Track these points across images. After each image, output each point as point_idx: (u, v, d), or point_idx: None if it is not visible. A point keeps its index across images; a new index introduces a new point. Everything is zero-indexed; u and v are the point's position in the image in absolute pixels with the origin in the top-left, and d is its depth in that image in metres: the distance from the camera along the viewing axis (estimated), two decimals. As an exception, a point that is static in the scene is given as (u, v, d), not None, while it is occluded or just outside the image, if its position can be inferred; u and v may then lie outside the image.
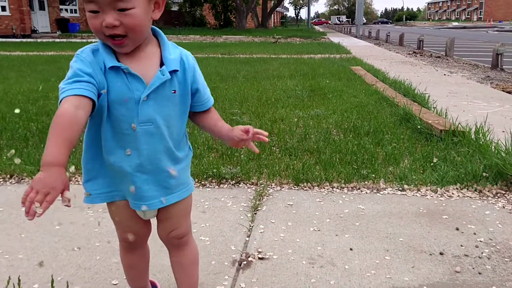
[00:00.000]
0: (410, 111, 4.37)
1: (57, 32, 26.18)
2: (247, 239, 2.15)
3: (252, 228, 2.27)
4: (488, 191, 2.74)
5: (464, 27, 53.35)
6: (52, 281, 1.61)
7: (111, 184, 1.32)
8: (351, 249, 2.05)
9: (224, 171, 2.94)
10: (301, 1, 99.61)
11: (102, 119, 1.23)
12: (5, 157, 3.21)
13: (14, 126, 4.02)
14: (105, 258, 1.95)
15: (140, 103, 1.22)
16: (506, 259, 1.97)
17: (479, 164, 3.00)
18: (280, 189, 2.80)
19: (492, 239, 2.16)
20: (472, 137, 3.54)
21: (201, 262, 1.89)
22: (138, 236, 1.45)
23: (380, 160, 3.22)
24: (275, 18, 70.69)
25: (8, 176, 2.96)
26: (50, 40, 20.20)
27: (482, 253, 2.02)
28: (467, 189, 2.77)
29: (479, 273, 1.86)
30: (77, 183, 2.79)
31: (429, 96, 5.44)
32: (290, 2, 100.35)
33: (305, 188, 2.81)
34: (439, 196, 2.70)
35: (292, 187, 2.83)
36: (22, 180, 2.91)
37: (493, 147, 3.23)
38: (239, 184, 2.87)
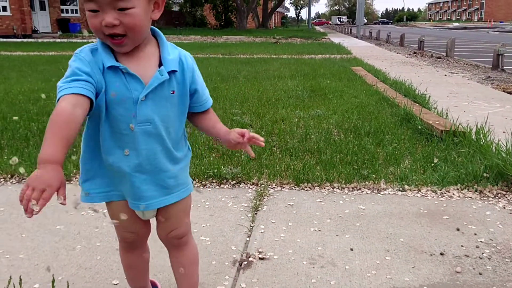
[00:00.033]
0: (411, 111, 4.37)
1: (58, 32, 26.20)
2: (248, 239, 2.16)
3: (253, 228, 2.27)
4: (489, 192, 2.73)
5: (465, 28, 53.32)
6: (53, 281, 1.61)
7: (110, 184, 1.32)
8: (351, 250, 2.05)
9: (224, 171, 2.94)
10: (301, 2, 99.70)
11: (101, 119, 1.23)
12: (5, 157, 3.22)
13: (15, 126, 4.02)
14: (106, 258, 1.96)
15: (138, 103, 1.22)
16: (506, 260, 1.97)
17: (479, 164, 3.00)
18: (281, 189, 2.80)
19: (493, 239, 2.16)
20: (473, 137, 3.54)
21: (201, 262, 1.89)
22: (137, 236, 1.45)
23: (381, 161, 3.22)
24: (276, 18, 70.70)
25: (9, 176, 2.97)
26: (51, 40, 20.21)
27: (482, 253, 2.02)
28: (468, 189, 2.77)
29: (480, 274, 1.86)
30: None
31: (429, 97, 5.43)
32: (290, 3, 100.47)
33: (305, 188, 2.81)
34: (439, 196, 2.70)
35: (293, 187, 2.83)
36: (23, 180, 2.91)
37: (493, 148, 3.23)
38: (240, 184, 2.87)
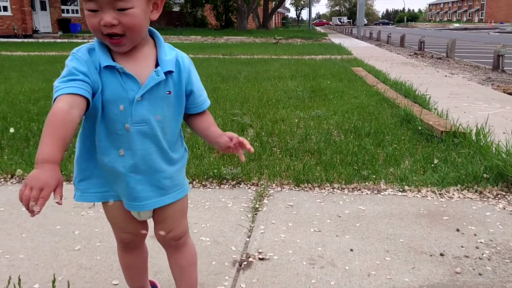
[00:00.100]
0: (411, 112, 4.37)
1: (59, 32, 26.22)
2: (248, 239, 2.16)
3: (253, 228, 2.27)
4: (489, 192, 2.73)
5: (465, 29, 53.31)
6: (54, 281, 1.61)
7: (105, 184, 1.32)
8: (351, 250, 2.05)
9: (224, 171, 2.94)
10: (302, 2, 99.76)
11: (97, 119, 1.23)
12: (5, 157, 3.22)
13: (15, 126, 4.02)
14: (106, 258, 1.96)
15: (134, 103, 1.22)
16: (506, 260, 1.97)
17: (479, 165, 3.00)
18: (281, 190, 2.80)
19: (493, 240, 2.16)
20: (473, 138, 3.54)
21: (201, 263, 1.90)
22: (134, 237, 1.45)
23: (381, 161, 3.22)
24: (276, 19, 70.72)
25: (9, 176, 2.97)
26: (52, 40, 20.23)
27: (482, 254, 2.02)
28: (468, 190, 2.77)
29: (480, 274, 1.86)
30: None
31: (430, 98, 5.43)
32: (291, 3, 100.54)
33: (305, 189, 2.81)
34: (439, 197, 2.70)
35: (293, 188, 2.83)
36: (23, 180, 2.91)
37: (493, 149, 3.23)
38: (240, 184, 2.87)
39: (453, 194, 2.72)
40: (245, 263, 1.93)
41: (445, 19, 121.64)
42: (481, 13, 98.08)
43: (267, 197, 2.68)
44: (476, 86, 7.39)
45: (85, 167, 1.31)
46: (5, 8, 22.86)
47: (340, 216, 2.42)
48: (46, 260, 1.94)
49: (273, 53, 13.15)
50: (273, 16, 52.49)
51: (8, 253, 2.00)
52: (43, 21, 26.78)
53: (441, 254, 2.02)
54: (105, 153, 1.26)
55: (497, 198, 2.68)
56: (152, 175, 1.30)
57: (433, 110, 4.84)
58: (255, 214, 2.44)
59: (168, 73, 1.25)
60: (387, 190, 2.79)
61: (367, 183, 2.86)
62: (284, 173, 2.98)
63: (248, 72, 8.36)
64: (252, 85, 6.65)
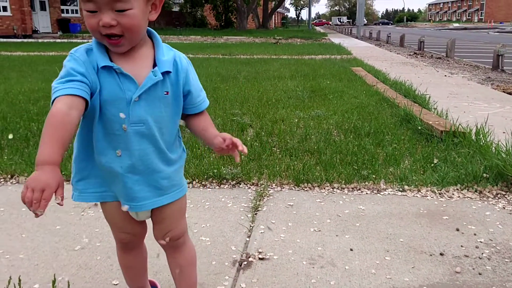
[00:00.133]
0: (411, 112, 4.37)
1: (58, 33, 26.22)
2: (248, 239, 2.16)
3: (253, 228, 2.27)
4: (489, 192, 2.74)
5: (465, 28, 53.33)
6: (54, 281, 1.61)
7: (103, 184, 1.32)
8: (351, 250, 2.05)
9: (224, 171, 2.94)
10: (302, 2, 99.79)
11: (94, 119, 1.23)
12: (5, 157, 3.22)
13: (15, 126, 4.02)
14: (106, 258, 1.96)
15: (132, 104, 1.22)
16: (506, 260, 1.97)
17: (479, 165, 3.00)
18: (281, 190, 2.80)
19: (492, 239, 2.16)
20: (473, 138, 3.54)
21: (201, 262, 1.90)
22: (133, 237, 1.45)
23: (381, 161, 3.22)
24: (276, 19, 70.72)
25: (9, 176, 2.97)
26: (51, 40, 20.23)
27: (482, 253, 2.02)
28: (468, 190, 2.77)
29: (479, 274, 1.86)
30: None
31: (429, 97, 5.44)
32: (291, 3, 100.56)
33: (305, 189, 2.81)
34: (439, 197, 2.70)
35: (293, 188, 2.83)
36: (23, 181, 2.91)
37: (493, 148, 3.23)
38: (240, 184, 2.87)
39: (453, 194, 2.72)
40: (245, 263, 1.93)
41: (445, 19, 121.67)
42: (481, 13, 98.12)
43: (267, 197, 2.68)
44: (476, 85, 7.39)
45: (83, 167, 1.31)
46: (4, 8, 22.86)
47: (340, 216, 2.42)
48: (46, 260, 1.94)
49: (272, 53, 13.16)
50: (273, 16, 52.49)
51: (8, 253, 2.00)
52: (42, 21, 26.77)
53: (441, 254, 2.02)
54: (103, 153, 1.26)
55: (497, 198, 2.68)
56: (149, 176, 1.30)
57: (433, 109, 4.85)
58: (255, 214, 2.44)
59: (165, 73, 1.25)
60: (387, 190, 2.79)
61: (367, 182, 2.86)
62: (284, 173, 2.99)
63: (247, 72, 8.36)
64: (251, 85, 6.65)
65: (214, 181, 2.90)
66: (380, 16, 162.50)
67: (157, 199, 1.33)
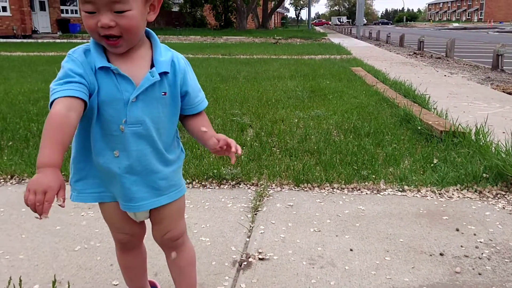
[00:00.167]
0: (411, 112, 4.37)
1: (58, 33, 26.21)
2: (248, 239, 2.16)
3: (253, 228, 2.27)
4: (488, 192, 2.74)
5: (465, 28, 53.34)
6: (54, 282, 1.61)
7: (101, 185, 1.32)
8: (351, 250, 2.05)
9: (224, 171, 2.94)
10: (301, 2, 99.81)
11: (92, 120, 1.23)
12: (5, 158, 3.22)
13: (15, 126, 4.02)
14: (106, 258, 1.96)
15: (129, 104, 1.22)
16: (506, 260, 1.97)
17: (479, 165, 3.00)
18: (281, 190, 2.80)
19: (492, 240, 2.16)
20: (472, 138, 3.54)
21: (201, 263, 1.90)
22: (132, 237, 1.45)
23: (381, 161, 3.22)
24: (276, 19, 70.72)
25: (9, 176, 2.96)
26: (51, 40, 20.22)
27: (482, 254, 2.03)
28: (467, 190, 2.77)
29: (479, 274, 1.86)
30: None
31: (429, 97, 5.44)
32: (290, 3, 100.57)
33: (305, 189, 2.81)
34: (439, 197, 2.70)
35: (293, 188, 2.83)
36: (23, 181, 2.92)
37: (493, 148, 3.24)
38: (240, 184, 2.87)
39: (453, 194, 2.72)
40: (245, 263, 1.93)
41: (444, 18, 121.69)
42: (480, 12, 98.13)
43: (267, 197, 2.68)
44: (476, 85, 7.39)
45: (81, 167, 1.31)
46: (4, 9, 22.85)
47: (339, 216, 2.42)
48: (46, 261, 1.95)
49: (272, 53, 13.16)
50: (273, 16, 52.50)
51: (8, 253, 2.00)
52: (42, 21, 26.77)
53: (441, 254, 2.02)
54: (100, 154, 1.26)
55: (496, 198, 2.69)
56: (147, 176, 1.30)
57: (433, 109, 4.85)
58: (255, 214, 2.44)
59: (163, 74, 1.25)
60: (386, 190, 2.79)
61: (366, 183, 2.86)
62: (283, 173, 2.99)
63: (247, 72, 8.36)
64: (251, 85, 6.65)
65: (214, 182, 2.90)
66: (379, 16, 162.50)
67: (155, 199, 1.33)
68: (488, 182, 2.82)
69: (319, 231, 2.24)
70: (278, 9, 60.51)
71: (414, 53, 14.49)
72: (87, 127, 1.25)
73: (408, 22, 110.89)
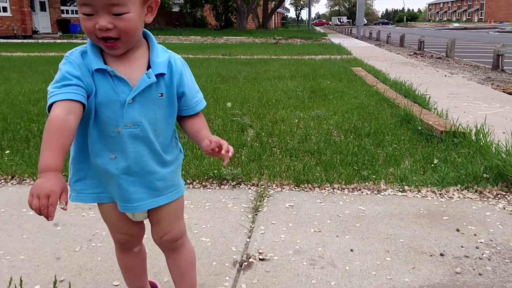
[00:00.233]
0: (411, 112, 4.37)
1: (58, 33, 26.22)
2: (248, 240, 2.16)
3: (253, 229, 2.27)
4: (489, 192, 2.74)
5: (465, 28, 53.32)
6: (55, 282, 1.61)
7: (100, 185, 1.32)
8: (351, 250, 2.05)
9: (225, 172, 2.94)
10: (301, 2, 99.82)
11: (90, 121, 1.23)
12: (6, 158, 3.22)
13: (15, 127, 4.03)
14: (107, 259, 1.96)
15: (126, 106, 1.22)
16: (506, 260, 1.97)
17: (479, 165, 3.00)
18: (281, 190, 2.80)
19: (493, 240, 2.16)
20: (473, 138, 3.54)
21: (201, 263, 1.90)
22: (130, 237, 1.45)
23: (381, 161, 3.23)
24: (276, 19, 70.73)
25: (10, 177, 2.96)
26: (51, 41, 20.23)
27: (482, 254, 2.03)
28: (468, 190, 2.77)
29: (480, 274, 1.86)
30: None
31: (429, 97, 5.44)
32: (290, 3, 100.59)
33: (305, 189, 2.81)
34: (439, 197, 2.70)
35: (293, 188, 2.83)
36: (23, 181, 2.92)
37: (493, 148, 3.24)
38: (240, 185, 2.88)
39: (453, 194, 2.72)
40: (246, 263, 1.93)
41: (445, 18, 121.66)
42: (481, 12, 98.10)
43: (267, 197, 2.68)
44: (476, 85, 7.39)
45: (80, 168, 1.32)
46: (4, 9, 22.86)
47: (340, 216, 2.42)
48: (47, 261, 1.95)
49: (272, 53, 13.16)
50: (273, 16, 52.49)
51: (9, 254, 2.00)
52: (42, 21, 26.77)
53: (441, 254, 2.02)
54: (98, 155, 1.27)
55: (497, 198, 2.69)
56: (144, 177, 1.30)
57: (433, 110, 4.85)
58: (255, 214, 2.44)
59: (159, 75, 1.25)
60: (387, 190, 2.79)
61: (367, 183, 2.86)
62: (284, 174, 2.99)
63: (247, 72, 8.36)
64: (252, 85, 6.65)
65: (214, 182, 2.90)
66: (380, 16, 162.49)
67: (153, 200, 1.34)
68: (489, 182, 2.82)
69: (320, 231, 2.24)
70: (278, 9, 60.53)
71: (415, 53, 14.49)
72: (85, 129, 1.26)
73: (409, 22, 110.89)
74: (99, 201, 1.35)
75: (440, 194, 2.73)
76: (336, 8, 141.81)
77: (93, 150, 1.27)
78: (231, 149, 1.33)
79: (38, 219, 2.20)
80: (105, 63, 1.20)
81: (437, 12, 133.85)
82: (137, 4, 1.17)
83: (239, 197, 2.68)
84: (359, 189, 2.81)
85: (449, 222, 2.36)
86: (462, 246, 2.10)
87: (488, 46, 18.30)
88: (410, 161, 3.25)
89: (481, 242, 2.13)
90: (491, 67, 9.96)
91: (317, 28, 61.23)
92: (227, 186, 2.86)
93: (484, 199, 2.67)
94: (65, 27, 26.96)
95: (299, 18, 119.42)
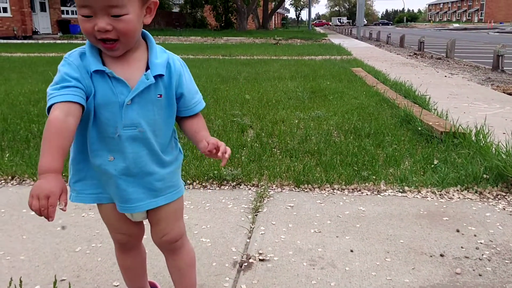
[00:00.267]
0: (411, 112, 4.37)
1: (58, 34, 26.22)
2: (248, 240, 2.16)
3: (253, 229, 2.27)
4: (489, 193, 2.74)
5: (465, 29, 53.35)
6: (55, 282, 1.61)
7: (99, 186, 1.33)
8: (351, 251, 2.05)
9: (225, 172, 2.94)
10: (301, 3, 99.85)
11: (89, 122, 1.23)
12: (6, 159, 3.22)
13: (15, 127, 4.03)
14: (107, 259, 1.96)
15: (124, 107, 1.22)
16: (506, 261, 1.97)
17: (479, 165, 3.00)
18: (281, 191, 2.81)
19: (493, 241, 2.16)
20: (473, 138, 3.54)
21: (201, 264, 1.90)
22: (130, 237, 1.45)
23: (381, 162, 3.23)
24: (276, 19, 70.75)
25: (10, 177, 2.97)
26: (51, 41, 20.23)
27: (482, 255, 2.03)
28: (468, 191, 2.77)
29: (480, 275, 1.86)
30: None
31: (429, 98, 5.44)
32: (290, 4, 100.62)
33: (305, 190, 2.81)
34: (439, 197, 2.70)
35: (293, 189, 2.83)
36: (24, 182, 2.92)
37: (493, 149, 3.24)
38: (240, 185, 2.88)
39: (453, 195, 2.72)
40: (246, 264, 1.93)
41: (445, 19, 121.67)
42: (481, 13, 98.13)
43: (267, 198, 2.68)
44: (476, 86, 7.39)
45: (80, 168, 1.32)
46: (4, 9, 22.86)
47: (340, 217, 2.42)
48: (47, 262, 1.95)
49: (272, 54, 13.16)
50: (273, 16, 52.51)
51: (9, 254, 2.01)
52: (42, 22, 26.77)
53: (441, 255, 2.02)
54: (97, 156, 1.27)
55: (497, 199, 2.69)
56: (143, 178, 1.30)
57: (433, 110, 4.85)
58: (255, 215, 2.44)
59: (158, 76, 1.25)
60: (387, 191, 2.79)
61: (367, 184, 2.86)
62: (284, 174, 2.99)
63: (248, 72, 8.37)
64: (252, 86, 6.65)
65: (214, 182, 2.90)
66: (380, 17, 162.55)
67: (152, 200, 1.34)
68: (489, 183, 2.82)
69: (320, 232, 2.24)
70: (278, 10, 60.55)
71: (415, 53, 14.49)
72: (84, 130, 1.26)
73: (409, 22, 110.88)
74: (98, 202, 1.36)
75: (440, 195, 2.73)
76: (336, 8, 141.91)
77: (92, 151, 1.27)
78: (228, 150, 1.33)
79: (38, 220, 2.19)
80: (104, 65, 1.21)
81: (437, 13, 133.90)
82: (136, 5, 1.17)
83: (239, 198, 2.68)
84: (359, 190, 2.81)
85: (449, 222, 2.36)
86: (462, 247, 2.10)
87: (488, 46, 18.31)
88: (410, 161, 3.25)
89: (481, 243, 2.13)
90: (491, 67, 9.96)
91: (317, 29, 61.25)
92: (227, 187, 2.86)
93: (484, 199, 2.67)
94: (65, 27, 26.97)
95: (299, 19, 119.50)
